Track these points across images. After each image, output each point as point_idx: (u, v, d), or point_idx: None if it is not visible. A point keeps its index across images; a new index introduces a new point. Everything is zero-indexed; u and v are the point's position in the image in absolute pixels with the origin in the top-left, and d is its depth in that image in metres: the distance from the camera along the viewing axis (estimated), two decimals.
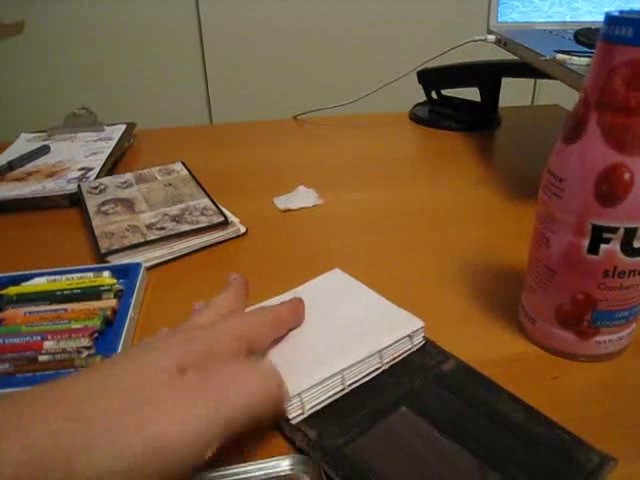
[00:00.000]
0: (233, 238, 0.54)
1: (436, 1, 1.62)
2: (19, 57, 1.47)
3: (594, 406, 0.35)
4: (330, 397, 0.34)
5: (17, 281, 0.46)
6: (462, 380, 0.35)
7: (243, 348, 0.32)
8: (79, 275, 0.47)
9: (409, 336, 0.37)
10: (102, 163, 0.69)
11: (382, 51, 1.62)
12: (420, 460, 0.30)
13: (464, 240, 0.53)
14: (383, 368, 0.36)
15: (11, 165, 0.68)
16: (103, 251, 0.49)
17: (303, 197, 0.60)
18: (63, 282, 0.46)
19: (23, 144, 0.78)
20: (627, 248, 0.33)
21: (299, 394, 0.32)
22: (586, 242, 0.33)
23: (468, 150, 0.75)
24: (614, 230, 0.32)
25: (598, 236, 0.33)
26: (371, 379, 0.35)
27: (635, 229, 0.32)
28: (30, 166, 0.70)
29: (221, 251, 0.52)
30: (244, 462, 0.30)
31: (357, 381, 0.35)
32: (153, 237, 0.50)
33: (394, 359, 0.37)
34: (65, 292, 0.45)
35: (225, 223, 0.53)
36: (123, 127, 0.81)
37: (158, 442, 0.25)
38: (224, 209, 0.55)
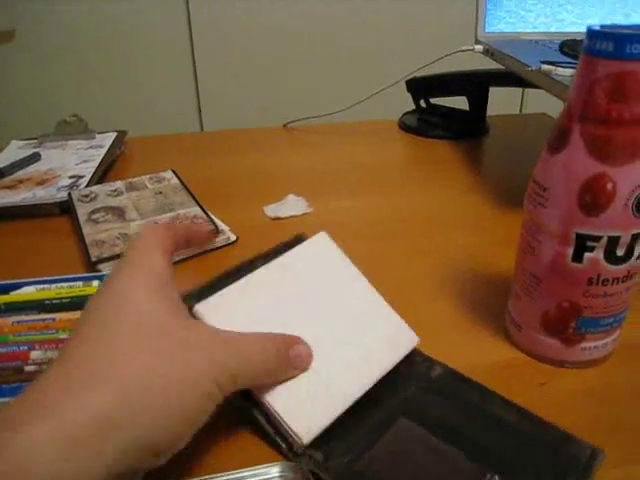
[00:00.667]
0: (223, 246, 0.54)
1: (425, 11, 1.64)
2: (9, 65, 1.47)
3: (581, 411, 0.35)
4: (333, 419, 0.33)
5: (6, 290, 0.46)
6: (451, 385, 0.36)
7: None
8: (68, 284, 0.47)
9: (408, 357, 0.37)
10: (93, 171, 0.69)
11: (371, 60, 1.63)
12: (424, 468, 0.31)
13: (453, 247, 0.54)
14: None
15: (2, 172, 0.68)
16: (94, 259, 0.49)
17: (293, 205, 0.61)
18: (52, 291, 0.46)
19: (13, 151, 0.78)
20: (610, 256, 0.34)
21: (311, 425, 0.32)
22: (570, 250, 0.34)
23: (457, 158, 0.76)
24: (597, 239, 0.33)
25: (582, 245, 0.34)
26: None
27: (618, 237, 0.33)
28: (21, 173, 0.70)
29: (211, 259, 0.53)
30: (234, 469, 0.31)
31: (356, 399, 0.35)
32: None
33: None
34: (54, 301, 0.45)
35: (215, 231, 0.53)
36: (114, 135, 0.81)
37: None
38: (214, 217, 0.55)
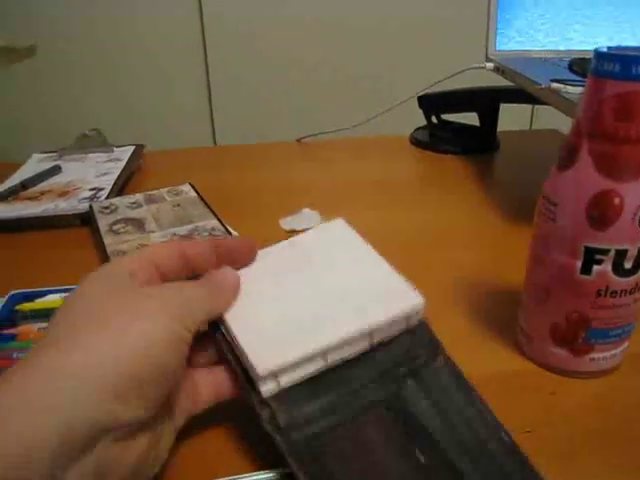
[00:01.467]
0: None
1: (437, 29, 1.66)
2: (29, 80, 1.51)
3: (590, 421, 0.36)
4: (309, 374, 0.32)
5: (31, 297, 0.48)
6: (446, 385, 0.33)
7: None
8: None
9: (408, 315, 0.34)
10: (112, 183, 0.71)
11: (384, 77, 1.65)
12: (380, 468, 0.29)
13: (464, 261, 0.55)
14: (372, 346, 0.33)
15: (24, 185, 0.70)
16: None
17: (307, 218, 0.62)
18: None
19: (34, 164, 0.80)
20: (618, 269, 0.35)
21: (275, 370, 0.30)
22: (579, 263, 0.35)
23: (468, 173, 0.77)
24: (605, 252, 0.34)
25: (590, 258, 0.35)
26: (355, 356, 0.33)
27: (625, 251, 0.34)
28: (42, 185, 0.72)
29: None
30: (236, 474, 0.31)
31: (341, 360, 0.32)
32: None
33: (384, 338, 0.34)
34: None
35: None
36: (132, 148, 0.84)
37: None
38: (231, 229, 0.57)
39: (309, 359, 0.31)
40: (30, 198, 0.68)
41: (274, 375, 0.31)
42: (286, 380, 0.31)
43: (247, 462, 0.33)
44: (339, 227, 0.40)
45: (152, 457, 0.28)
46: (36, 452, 0.22)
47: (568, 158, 0.35)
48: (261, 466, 0.32)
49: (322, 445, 0.30)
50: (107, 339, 0.26)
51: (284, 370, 0.31)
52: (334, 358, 0.32)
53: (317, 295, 0.34)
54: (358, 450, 0.29)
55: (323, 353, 0.31)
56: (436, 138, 0.88)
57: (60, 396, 0.24)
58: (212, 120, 1.71)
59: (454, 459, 0.29)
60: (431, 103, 0.89)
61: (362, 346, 0.33)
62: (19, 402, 0.23)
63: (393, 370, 0.33)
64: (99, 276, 0.30)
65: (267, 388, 0.31)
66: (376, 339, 0.33)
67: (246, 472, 0.32)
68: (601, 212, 0.33)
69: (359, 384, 0.32)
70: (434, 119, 0.90)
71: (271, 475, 0.31)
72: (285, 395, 0.31)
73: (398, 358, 0.33)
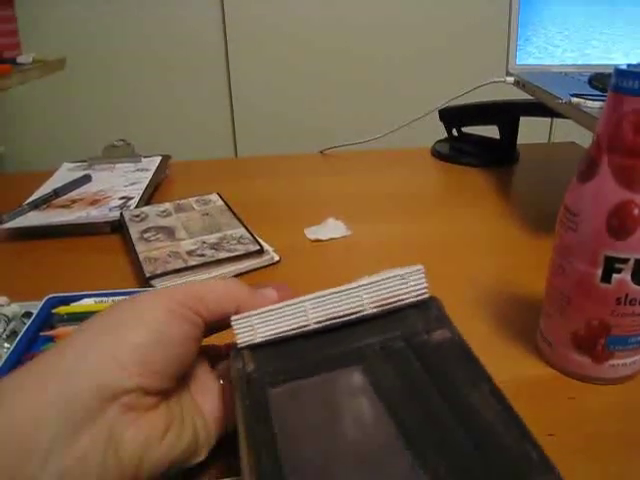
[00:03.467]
0: (267, 266, 0.57)
1: (457, 45, 1.68)
2: (60, 92, 1.56)
3: (609, 425, 0.37)
4: (289, 330, 0.30)
5: (67, 301, 0.50)
6: (446, 356, 0.28)
7: None
8: (124, 297, 0.50)
9: (401, 277, 0.31)
10: (141, 193, 0.73)
11: (406, 90, 1.67)
12: (342, 428, 0.25)
13: (486, 270, 0.56)
14: (366, 312, 0.30)
15: (57, 193, 0.73)
16: (148, 275, 0.53)
17: (332, 228, 0.64)
18: (109, 303, 0.50)
19: (65, 173, 0.82)
20: (637, 277, 0.36)
21: (249, 316, 0.30)
22: (599, 272, 0.36)
23: (488, 185, 0.79)
24: (625, 261, 0.35)
25: (610, 266, 0.36)
26: (347, 323, 0.30)
27: None
28: (74, 194, 0.74)
29: (256, 278, 0.56)
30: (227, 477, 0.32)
31: (327, 320, 0.30)
32: (194, 263, 0.54)
33: (382, 305, 0.30)
34: None
35: (260, 251, 0.56)
36: (159, 159, 0.86)
37: None
38: (259, 238, 0.59)
39: (289, 312, 0.30)
40: (62, 206, 0.70)
41: (250, 324, 0.30)
42: (263, 332, 0.30)
43: None
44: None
45: (175, 446, 0.29)
46: (43, 416, 0.25)
47: (589, 170, 0.36)
48: None
49: (278, 394, 0.27)
50: (110, 324, 0.29)
51: (261, 318, 0.30)
52: (318, 316, 0.30)
53: None
54: (317, 407, 0.27)
55: (304, 309, 0.30)
56: (457, 150, 0.89)
57: (62, 365, 0.27)
58: (234, 132, 1.74)
59: (437, 414, 0.25)
60: (452, 116, 0.90)
61: (352, 307, 0.30)
62: (27, 374, 0.26)
63: (389, 337, 0.29)
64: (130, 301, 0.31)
65: (243, 339, 0.30)
66: (367, 299, 0.30)
67: None
68: (621, 222, 0.34)
69: (349, 347, 0.29)
70: (455, 132, 0.92)
71: None
72: (259, 351, 0.30)
73: (396, 327, 0.30)
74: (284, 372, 0.28)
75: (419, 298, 0.31)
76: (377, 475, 0.23)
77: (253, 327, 0.30)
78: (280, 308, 0.30)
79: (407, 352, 0.29)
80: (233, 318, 0.30)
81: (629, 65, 0.34)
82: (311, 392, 0.27)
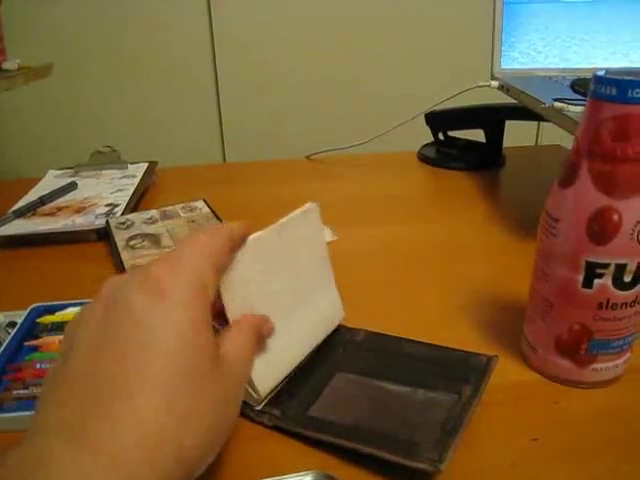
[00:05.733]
0: None
1: (444, 49, 1.69)
2: (46, 98, 1.55)
3: (593, 428, 0.37)
4: (281, 383, 0.39)
5: (52, 310, 0.50)
6: (373, 342, 0.44)
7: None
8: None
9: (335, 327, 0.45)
10: (127, 200, 0.73)
11: (392, 95, 1.68)
12: (365, 401, 0.38)
13: (471, 274, 0.57)
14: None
15: (42, 201, 0.72)
16: None
17: None
18: None
19: (51, 180, 0.82)
20: (618, 282, 0.36)
21: (262, 399, 0.38)
22: (581, 277, 0.37)
23: (474, 189, 0.79)
24: (606, 266, 0.36)
25: (591, 272, 0.36)
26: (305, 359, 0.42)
27: (625, 265, 0.35)
28: (60, 201, 0.74)
29: None
30: (266, 477, 0.33)
31: (297, 367, 0.40)
32: None
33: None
34: None
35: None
36: (145, 165, 0.86)
37: None
38: None
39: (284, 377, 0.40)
40: (48, 214, 0.70)
41: (258, 395, 0.37)
42: (266, 394, 0.38)
43: (277, 465, 0.34)
44: (310, 219, 0.44)
45: None
46: None
47: (569, 176, 0.36)
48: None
49: (315, 411, 0.38)
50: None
51: (265, 390, 0.38)
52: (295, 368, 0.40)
53: (282, 321, 0.38)
54: (342, 401, 0.39)
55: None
56: (443, 154, 0.90)
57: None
58: (222, 137, 1.74)
59: (401, 371, 0.40)
60: (438, 120, 0.91)
61: (310, 355, 0.42)
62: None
63: (333, 351, 0.43)
64: (171, 331, 0.28)
65: (257, 404, 0.38)
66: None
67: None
68: (601, 228, 0.35)
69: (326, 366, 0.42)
70: (441, 136, 0.92)
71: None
72: (269, 402, 0.38)
73: (331, 346, 0.44)
74: (301, 404, 0.38)
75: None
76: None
77: (261, 397, 0.38)
78: (282, 380, 0.39)
79: (351, 351, 0.43)
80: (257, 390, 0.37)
81: (607, 71, 0.34)
82: (331, 397, 0.39)
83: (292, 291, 0.40)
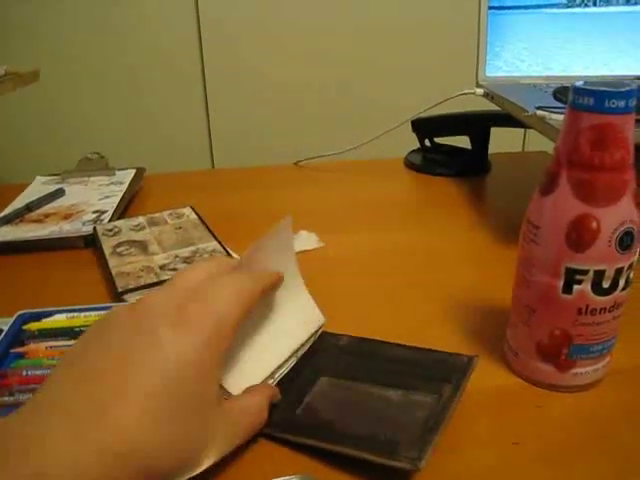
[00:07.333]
0: None
1: (430, 57, 1.71)
2: (33, 104, 1.55)
3: (575, 431, 0.38)
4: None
5: (38, 317, 0.50)
6: (355, 346, 0.45)
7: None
8: (96, 313, 0.50)
9: (315, 332, 0.45)
10: (115, 206, 0.73)
11: (379, 101, 1.69)
12: (349, 402, 0.39)
13: (456, 280, 0.57)
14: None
15: (29, 207, 0.72)
16: (120, 290, 0.53)
17: (305, 240, 0.64)
18: (81, 319, 0.49)
19: (38, 186, 0.82)
20: (597, 288, 0.37)
21: None
22: (561, 283, 0.37)
23: (460, 195, 0.80)
24: (585, 272, 0.36)
25: (571, 278, 0.37)
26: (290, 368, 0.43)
27: (603, 271, 0.36)
28: (47, 208, 0.74)
29: None
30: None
31: (281, 374, 0.41)
32: (166, 277, 0.54)
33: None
34: (83, 328, 0.48)
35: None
36: (133, 172, 0.86)
37: None
38: (232, 251, 0.59)
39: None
40: (35, 220, 0.70)
41: None
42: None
43: (269, 468, 0.35)
44: (284, 234, 0.44)
45: None
46: None
47: (549, 184, 0.37)
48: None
49: (302, 415, 0.39)
50: None
51: None
52: (279, 375, 0.41)
53: (259, 331, 0.41)
54: (324, 403, 0.39)
55: (272, 376, 0.41)
56: (429, 161, 0.91)
57: None
58: (210, 143, 1.74)
59: (383, 373, 0.41)
60: (424, 127, 0.91)
61: (292, 361, 0.43)
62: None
63: (316, 357, 0.44)
64: (188, 363, 0.31)
65: None
66: (299, 353, 0.43)
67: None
68: (579, 235, 0.36)
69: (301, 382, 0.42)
70: (427, 142, 0.93)
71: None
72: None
73: (314, 352, 0.44)
74: (287, 408, 0.39)
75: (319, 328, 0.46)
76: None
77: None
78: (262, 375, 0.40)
79: (334, 356, 0.44)
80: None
81: (585, 82, 0.35)
82: (316, 401, 0.40)
83: (264, 305, 0.41)
